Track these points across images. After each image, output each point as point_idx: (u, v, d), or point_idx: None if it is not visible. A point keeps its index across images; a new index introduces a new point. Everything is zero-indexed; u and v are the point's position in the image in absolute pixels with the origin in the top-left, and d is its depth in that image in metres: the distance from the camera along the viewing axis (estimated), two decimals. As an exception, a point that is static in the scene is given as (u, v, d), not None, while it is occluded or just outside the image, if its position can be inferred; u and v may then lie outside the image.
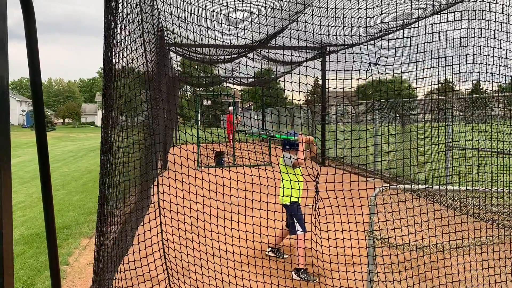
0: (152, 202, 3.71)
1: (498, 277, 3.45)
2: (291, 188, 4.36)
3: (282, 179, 4.50)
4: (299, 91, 3.39)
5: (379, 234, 3.22)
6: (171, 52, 11.88)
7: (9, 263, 1.74)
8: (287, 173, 4.47)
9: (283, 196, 4.55)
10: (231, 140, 14.05)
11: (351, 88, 3.22)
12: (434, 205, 3.54)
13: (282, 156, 4.65)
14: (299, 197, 4.59)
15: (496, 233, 3.50)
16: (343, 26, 2.92)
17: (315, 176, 3.47)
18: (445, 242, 3.30)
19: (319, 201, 3.41)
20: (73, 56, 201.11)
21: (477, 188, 3.41)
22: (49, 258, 2.79)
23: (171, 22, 3.26)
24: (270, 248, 5.04)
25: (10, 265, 1.77)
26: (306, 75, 3.41)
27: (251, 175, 3.56)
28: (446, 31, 3.41)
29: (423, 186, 3.36)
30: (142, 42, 2.83)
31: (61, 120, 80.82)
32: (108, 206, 3.18)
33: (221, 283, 3.57)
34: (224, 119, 16.21)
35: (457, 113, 8.08)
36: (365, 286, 3.39)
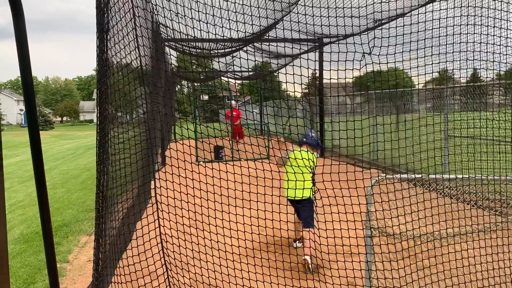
0: (150, 197, 3.72)
1: (496, 264, 3.47)
2: (309, 181, 4.36)
3: (303, 173, 4.42)
4: (294, 83, 3.38)
5: (377, 224, 3.23)
6: (167, 48, 11.82)
7: (3, 261, 1.74)
8: (309, 167, 4.38)
9: (309, 191, 4.42)
10: (241, 135, 13.98)
11: (345, 78, 3.21)
12: (430, 193, 3.55)
13: (300, 150, 4.56)
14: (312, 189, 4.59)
15: (493, 220, 3.51)
16: (336, 16, 2.90)
17: (311, 168, 3.47)
18: (442, 231, 3.31)
19: (316, 192, 3.41)
20: (70, 54, 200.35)
21: (473, 176, 3.41)
22: (46, 257, 2.80)
23: (163, 15, 3.24)
24: (297, 240, 5.09)
25: (5, 264, 1.77)
26: (301, 67, 3.40)
27: (253, 169, 3.56)
28: (439, 19, 3.39)
29: (420, 176, 3.36)
30: (135, 36, 2.82)
31: (60, 119, 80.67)
32: (106, 202, 3.18)
33: (220, 275, 3.59)
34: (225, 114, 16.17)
35: (455, 102, 8.07)
36: (364, 275, 3.41)
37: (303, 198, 4.53)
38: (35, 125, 2.67)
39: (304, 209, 4.58)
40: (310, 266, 4.32)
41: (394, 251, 3.31)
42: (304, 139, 4.62)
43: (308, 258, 4.39)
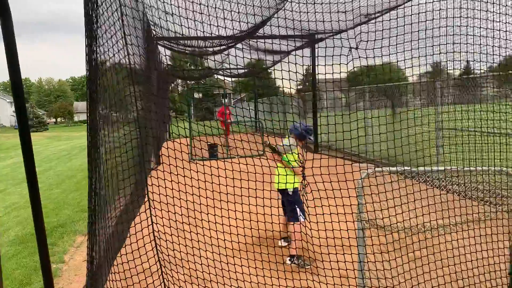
0: (144, 195, 3.73)
1: (486, 253, 3.52)
2: (293, 175, 4.40)
3: (285, 166, 4.49)
4: (285, 79, 3.40)
5: (368, 216, 3.27)
6: (160, 47, 11.80)
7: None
8: (290, 160, 4.43)
9: (285, 182, 4.47)
10: (228, 132, 14.01)
11: (339, 72, 3.23)
12: (420, 185, 3.59)
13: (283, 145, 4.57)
14: (294, 182, 4.60)
15: (482, 210, 3.56)
16: (322, 12, 2.92)
17: (301, 162, 3.50)
18: (432, 222, 3.36)
19: (306, 186, 3.45)
20: (63, 55, 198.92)
21: (462, 167, 3.46)
22: (40, 257, 2.82)
23: (151, 14, 3.25)
24: (282, 239, 5.08)
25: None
26: (288, 63, 3.43)
27: (243, 164, 3.59)
28: (432, 11, 3.42)
29: (412, 168, 3.40)
30: (123, 35, 2.83)
31: (54, 120, 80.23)
32: (99, 201, 3.19)
33: (214, 270, 3.62)
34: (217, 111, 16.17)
35: (446, 95, 8.13)
36: (356, 268, 3.45)
37: (284, 189, 4.56)
38: (26, 126, 2.68)
39: (286, 202, 4.64)
40: (298, 264, 4.37)
41: (385, 243, 3.36)
42: (291, 131, 4.64)
43: (288, 260, 4.44)
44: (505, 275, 3.50)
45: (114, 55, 2.83)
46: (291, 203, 4.51)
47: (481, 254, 3.52)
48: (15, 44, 2.53)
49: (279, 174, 4.44)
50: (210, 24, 3.24)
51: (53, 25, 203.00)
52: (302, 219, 4.47)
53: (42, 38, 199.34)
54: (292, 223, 4.51)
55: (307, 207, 3.53)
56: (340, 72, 2.95)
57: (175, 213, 3.35)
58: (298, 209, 4.47)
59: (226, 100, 13.88)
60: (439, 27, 3.28)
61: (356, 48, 2.81)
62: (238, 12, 3.06)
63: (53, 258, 5.29)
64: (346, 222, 3.43)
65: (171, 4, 3.11)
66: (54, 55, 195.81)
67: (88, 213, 3.11)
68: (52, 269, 4.80)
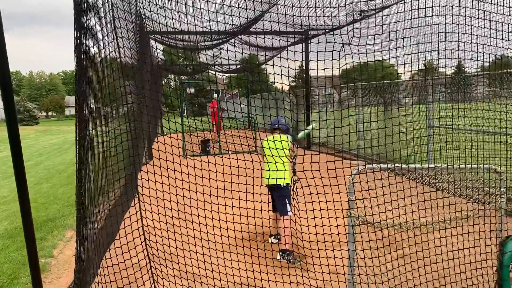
0: (136, 190, 3.71)
1: (473, 250, 3.55)
2: (285, 170, 4.41)
3: (283, 162, 4.49)
4: (278, 74, 3.39)
5: (359, 213, 3.27)
6: (152, 41, 11.71)
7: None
8: (285, 156, 4.44)
9: (277, 178, 4.46)
10: (215, 128, 13.99)
11: (331, 68, 3.23)
12: (410, 182, 3.61)
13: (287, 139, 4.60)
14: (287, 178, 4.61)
15: (471, 208, 3.59)
16: (315, 7, 2.91)
17: (292, 157, 3.50)
18: (422, 219, 3.38)
19: (296, 181, 3.45)
20: (55, 48, 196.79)
21: (452, 165, 3.48)
22: (28, 251, 2.80)
23: (142, 7, 3.21)
24: (272, 236, 5.08)
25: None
26: (287, 59, 3.41)
27: (234, 159, 3.57)
28: (425, 8, 3.42)
29: (402, 166, 3.41)
30: (113, 28, 2.79)
31: (45, 114, 79.42)
32: (88, 197, 3.17)
33: (204, 264, 3.61)
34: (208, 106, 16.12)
35: (439, 93, 8.17)
36: (346, 264, 3.46)
37: (277, 184, 4.56)
38: (14, 121, 2.65)
39: (278, 197, 4.64)
40: (288, 260, 4.37)
41: (375, 239, 3.37)
42: (276, 125, 4.67)
43: (278, 256, 4.43)
44: (493, 271, 3.53)
45: (104, 48, 2.79)
46: (283, 197, 4.54)
47: (470, 251, 3.54)
48: (3, 36, 2.49)
49: (269, 170, 4.44)
50: (202, 18, 3.21)
51: (44, 18, 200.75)
52: (291, 213, 4.49)
53: (33, 31, 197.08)
54: (282, 218, 4.53)
55: (298, 202, 3.54)
56: (332, 68, 2.94)
57: (164, 207, 3.33)
58: (288, 203, 4.51)
59: (218, 95, 13.82)
60: (431, 25, 3.29)
61: (349, 44, 2.80)
62: (231, 6, 3.04)
63: (42, 253, 5.24)
64: (336, 218, 3.43)
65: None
66: (45, 48, 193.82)
67: (75, 207, 3.08)
68: (41, 264, 4.78)
